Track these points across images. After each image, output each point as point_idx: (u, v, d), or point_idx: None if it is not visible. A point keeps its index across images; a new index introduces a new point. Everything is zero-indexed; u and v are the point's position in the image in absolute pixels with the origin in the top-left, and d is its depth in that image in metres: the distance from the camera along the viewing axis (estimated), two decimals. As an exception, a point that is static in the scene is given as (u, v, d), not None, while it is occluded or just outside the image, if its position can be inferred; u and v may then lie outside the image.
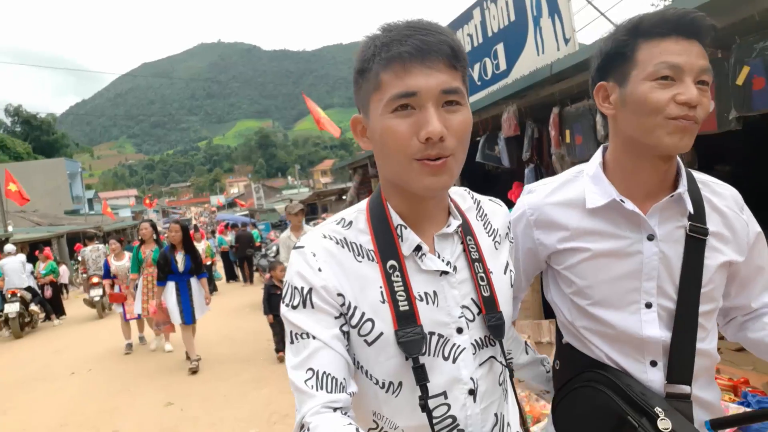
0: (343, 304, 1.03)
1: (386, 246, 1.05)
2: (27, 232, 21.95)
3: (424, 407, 0.99)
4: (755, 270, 1.34)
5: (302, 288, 1.03)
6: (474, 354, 1.06)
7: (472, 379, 1.05)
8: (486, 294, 1.08)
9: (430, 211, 1.08)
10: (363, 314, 1.03)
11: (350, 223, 1.10)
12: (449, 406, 1.03)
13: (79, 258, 15.31)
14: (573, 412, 1.30)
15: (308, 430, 0.92)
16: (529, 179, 6.34)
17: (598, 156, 1.35)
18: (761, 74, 3.54)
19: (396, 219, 1.07)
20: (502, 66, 6.41)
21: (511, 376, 1.13)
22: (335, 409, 0.94)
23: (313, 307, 1.01)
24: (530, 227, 1.37)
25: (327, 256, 1.04)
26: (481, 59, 6.84)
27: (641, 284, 1.25)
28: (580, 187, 1.33)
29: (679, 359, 1.23)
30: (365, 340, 1.03)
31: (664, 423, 1.12)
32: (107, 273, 8.60)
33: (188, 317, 6.68)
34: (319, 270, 1.03)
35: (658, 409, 1.15)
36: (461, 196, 1.20)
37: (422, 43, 0.94)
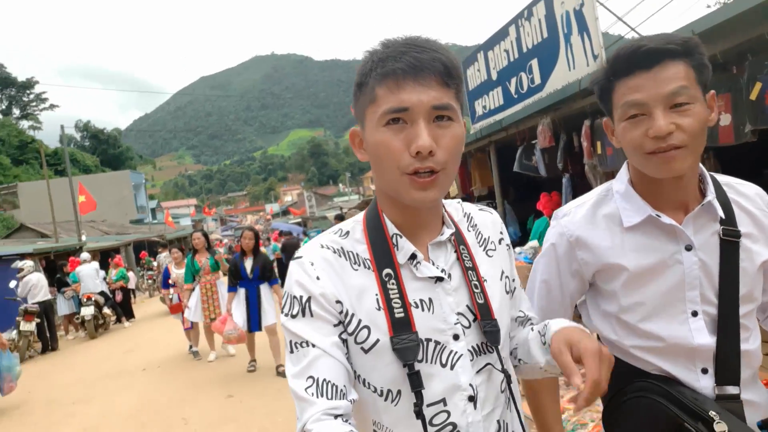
0: (342, 312, 1.04)
1: (382, 255, 1.08)
2: (97, 240, 23.49)
3: (419, 414, 1.00)
4: None
5: (301, 297, 1.04)
6: (471, 361, 1.07)
7: (471, 385, 1.06)
8: (480, 301, 1.10)
9: (424, 221, 1.11)
10: (359, 321, 1.04)
11: (347, 233, 1.13)
12: (449, 413, 1.04)
13: (155, 263, 16.38)
14: (627, 424, 1.30)
15: None
16: (567, 188, 6.60)
17: (624, 173, 1.36)
18: (770, 89, 3.75)
19: (391, 228, 1.09)
20: (537, 80, 6.70)
21: (509, 383, 1.13)
22: (336, 416, 0.95)
23: (312, 315, 1.03)
24: (572, 248, 1.38)
25: (324, 264, 1.07)
26: (517, 74, 7.14)
27: (685, 294, 1.26)
28: (612, 205, 1.34)
29: (726, 361, 1.24)
30: (362, 348, 1.04)
31: (720, 426, 1.13)
32: (165, 282, 8.81)
33: (254, 325, 6.66)
34: (317, 278, 1.05)
35: (712, 413, 1.16)
36: (454, 207, 1.23)
37: (416, 60, 0.97)
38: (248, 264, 6.69)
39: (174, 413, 5.79)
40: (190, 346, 8.55)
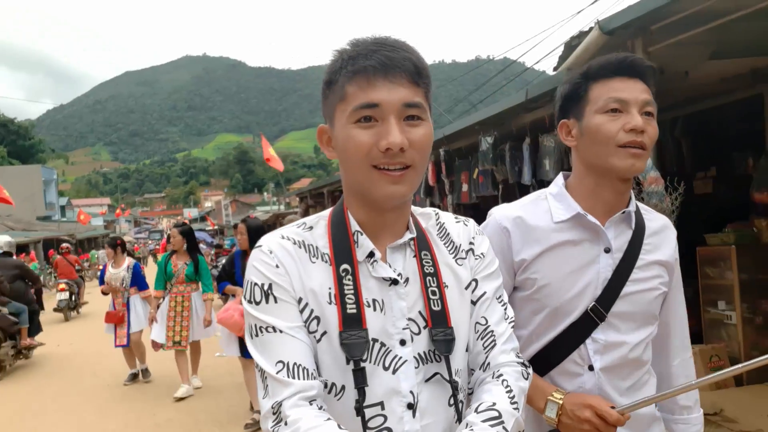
0: (298, 300, 1.05)
1: (342, 250, 1.08)
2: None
3: (359, 411, 1.00)
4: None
5: (262, 284, 1.05)
6: (416, 368, 1.06)
7: (411, 392, 1.04)
8: (436, 308, 1.08)
9: (389, 223, 1.11)
10: (312, 311, 1.05)
11: (311, 227, 1.14)
12: (385, 417, 1.03)
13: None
14: None
15: (285, 423, 0.95)
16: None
17: (559, 180, 1.50)
18: (481, 174, 6.24)
19: (354, 225, 1.10)
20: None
21: (455, 395, 1.07)
22: (311, 401, 0.98)
23: (276, 301, 1.04)
24: (506, 235, 1.44)
25: (283, 253, 1.07)
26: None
27: (593, 293, 1.39)
28: (545, 205, 1.46)
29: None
30: (314, 337, 1.05)
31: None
32: (102, 280, 7.13)
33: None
34: (277, 266, 1.06)
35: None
36: (426, 215, 1.22)
37: (387, 58, 0.99)
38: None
39: (87, 369, 7.38)
40: (134, 374, 6.96)
